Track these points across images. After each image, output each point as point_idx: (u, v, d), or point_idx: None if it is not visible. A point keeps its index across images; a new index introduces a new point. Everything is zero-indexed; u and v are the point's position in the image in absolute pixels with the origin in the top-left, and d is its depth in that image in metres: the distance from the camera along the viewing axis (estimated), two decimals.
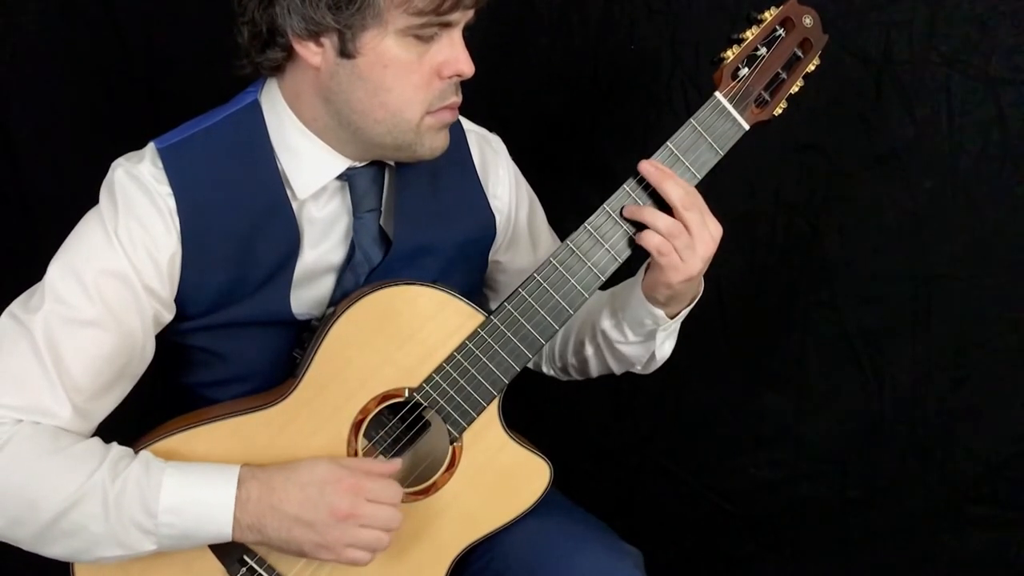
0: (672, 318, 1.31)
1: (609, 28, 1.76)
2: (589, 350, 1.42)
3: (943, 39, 1.64)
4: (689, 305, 1.32)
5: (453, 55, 1.17)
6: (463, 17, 1.17)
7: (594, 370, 1.46)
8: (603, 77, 1.79)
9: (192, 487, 1.12)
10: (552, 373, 1.56)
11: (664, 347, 1.38)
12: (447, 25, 1.16)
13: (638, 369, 1.43)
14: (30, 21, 1.70)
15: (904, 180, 1.72)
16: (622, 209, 1.21)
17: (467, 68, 1.19)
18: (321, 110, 1.21)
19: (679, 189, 1.19)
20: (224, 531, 1.13)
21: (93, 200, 1.22)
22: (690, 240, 1.20)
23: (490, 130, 1.46)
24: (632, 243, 1.22)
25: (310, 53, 1.16)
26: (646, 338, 1.34)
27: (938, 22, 1.63)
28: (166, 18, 1.74)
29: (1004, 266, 1.73)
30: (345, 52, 1.14)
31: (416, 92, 1.17)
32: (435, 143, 1.23)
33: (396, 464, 1.20)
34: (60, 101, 1.75)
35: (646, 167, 1.20)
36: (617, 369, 1.44)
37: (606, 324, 1.37)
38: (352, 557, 1.15)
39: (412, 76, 1.16)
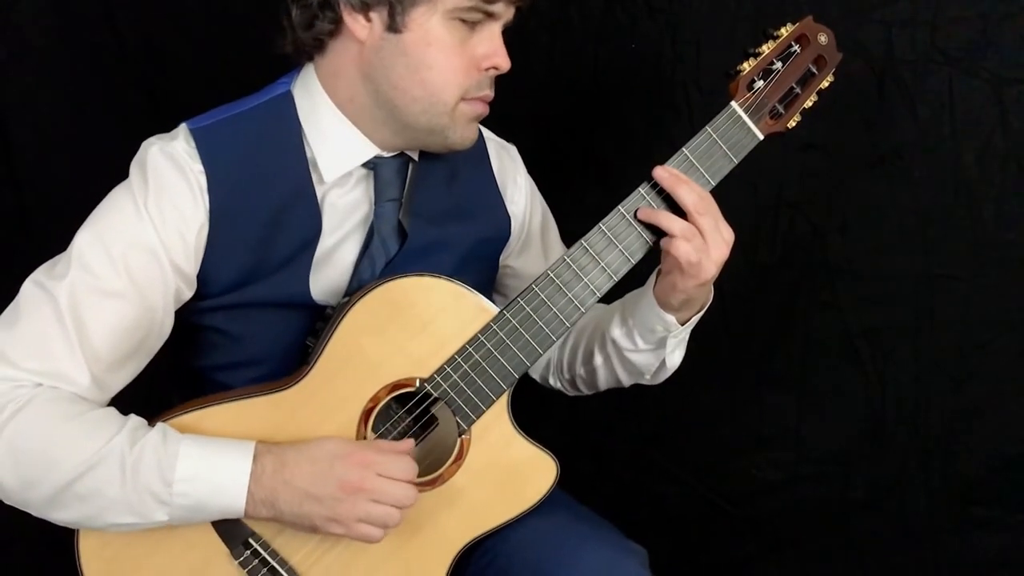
0: (683, 324, 1.31)
1: (610, 27, 1.76)
2: (598, 359, 1.42)
3: (946, 38, 1.64)
4: (700, 311, 1.33)
5: (493, 48, 1.22)
6: (506, 12, 1.22)
7: (603, 381, 1.46)
8: (603, 77, 1.80)
9: (209, 459, 1.13)
10: (560, 386, 1.56)
11: (674, 355, 1.38)
12: (491, 16, 1.21)
13: (647, 379, 1.43)
14: (28, 21, 1.70)
15: (906, 180, 1.73)
16: (636, 212, 1.22)
17: (504, 63, 1.23)
18: (359, 88, 1.24)
19: (693, 194, 1.21)
20: (237, 504, 1.13)
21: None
22: (704, 244, 1.21)
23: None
24: (645, 245, 1.23)
25: (359, 26, 1.20)
26: (656, 346, 1.35)
27: (940, 21, 1.64)
28: (166, 18, 1.73)
29: (1006, 266, 1.73)
30: (393, 26, 1.18)
31: (456, 75, 1.21)
32: (466, 133, 1.26)
33: (409, 443, 1.20)
34: (59, 101, 1.74)
35: (660, 173, 1.22)
36: (626, 380, 1.43)
37: (616, 332, 1.37)
38: (363, 532, 1.15)
39: (453, 59, 1.20)
